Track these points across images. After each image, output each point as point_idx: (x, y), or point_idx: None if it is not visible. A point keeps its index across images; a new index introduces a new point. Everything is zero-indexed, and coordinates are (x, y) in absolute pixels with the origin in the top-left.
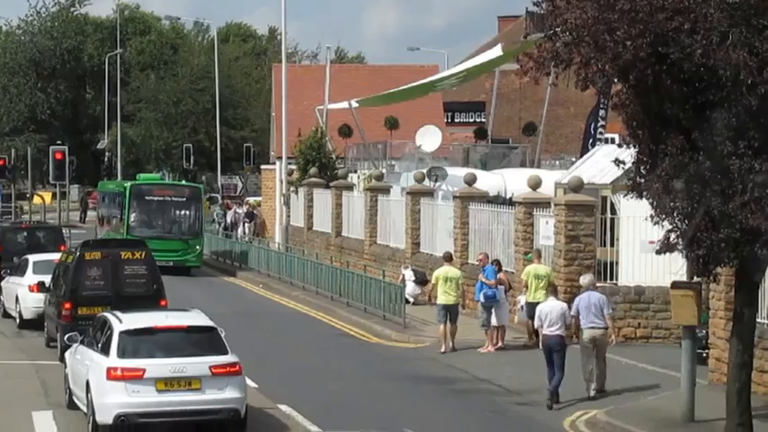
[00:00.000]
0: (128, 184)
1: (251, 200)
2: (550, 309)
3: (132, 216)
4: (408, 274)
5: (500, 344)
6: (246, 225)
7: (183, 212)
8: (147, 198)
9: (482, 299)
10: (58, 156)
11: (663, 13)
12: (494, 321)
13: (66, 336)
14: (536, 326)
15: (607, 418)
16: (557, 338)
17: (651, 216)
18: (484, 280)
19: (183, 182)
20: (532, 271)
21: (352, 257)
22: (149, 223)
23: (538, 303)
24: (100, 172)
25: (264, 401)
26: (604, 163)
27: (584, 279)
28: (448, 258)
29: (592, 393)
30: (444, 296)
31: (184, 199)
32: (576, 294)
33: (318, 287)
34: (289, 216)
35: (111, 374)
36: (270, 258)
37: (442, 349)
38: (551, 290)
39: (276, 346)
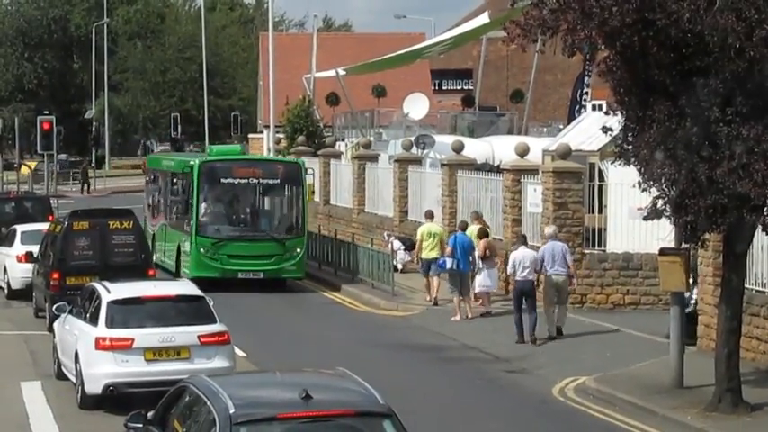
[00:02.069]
0: (196, 161)
1: None
2: (523, 256)
3: (203, 207)
4: (397, 245)
5: (475, 310)
6: None
7: (277, 201)
8: (224, 181)
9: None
10: (46, 126)
11: None
12: (463, 289)
13: (55, 306)
14: (509, 272)
15: (596, 385)
16: (529, 283)
17: (639, 183)
18: (446, 248)
19: (278, 156)
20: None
21: (341, 225)
22: (229, 218)
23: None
24: (87, 142)
25: (253, 370)
26: (592, 130)
27: (549, 230)
28: (430, 216)
29: (554, 333)
30: (425, 251)
31: (278, 181)
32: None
33: (307, 256)
34: None
35: (100, 344)
36: None
37: (427, 298)
38: (521, 239)
39: (264, 314)
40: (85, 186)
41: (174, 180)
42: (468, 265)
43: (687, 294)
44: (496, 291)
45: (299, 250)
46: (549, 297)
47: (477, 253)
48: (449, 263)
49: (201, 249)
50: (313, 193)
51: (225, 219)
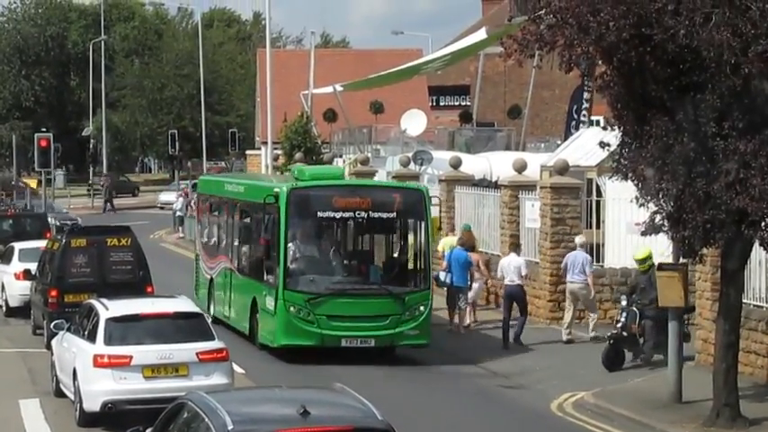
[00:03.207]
0: (283, 187)
1: None
2: (509, 263)
3: (293, 250)
4: None
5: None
6: None
7: (393, 240)
8: (322, 215)
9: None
10: (43, 143)
11: None
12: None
13: (53, 323)
14: (498, 277)
15: (594, 400)
16: (516, 288)
17: (636, 198)
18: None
19: (390, 182)
20: (448, 242)
21: None
22: (328, 264)
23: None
24: (85, 159)
25: (251, 386)
26: (589, 145)
27: (579, 239)
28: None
29: (567, 337)
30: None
31: (394, 214)
32: (558, 277)
33: None
34: None
35: (98, 362)
36: None
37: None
38: (513, 246)
39: None
40: (108, 205)
41: (247, 211)
42: (464, 280)
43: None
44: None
45: (422, 308)
46: (568, 302)
47: (475, 267)
48: (442, 276)
49: (292, 308)
50: (440, 229)
51: (323, 265)
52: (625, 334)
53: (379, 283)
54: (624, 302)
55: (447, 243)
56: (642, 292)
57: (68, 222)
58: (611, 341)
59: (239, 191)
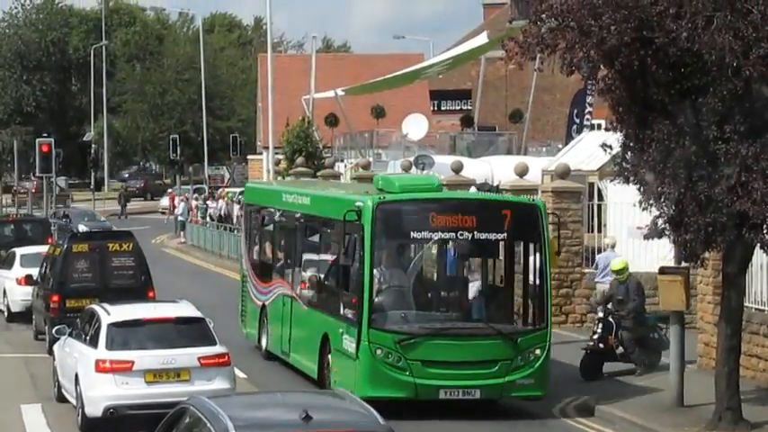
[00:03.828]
0: (367, 201)
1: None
2: None
3: (379, 278)
4: None
5: None
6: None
7: (501, 268)
8: (416, 235)
9: None
10: (45, 148)
11: None
12: None
13: (55, 328)
14: None
15: (597, 404)
16: None
17: (638, 202)
18: None
19: (500, 195)
20: None
21: None
22: (423, 297)
23: None
24: (86, 164)
25: (253, 391)
26: (591, 149)
27: (609, 240)
28: None
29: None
30: None
31: (504, 235)
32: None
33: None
34: None
35: (100, 367)
36: None
37: None
38: None
39: None
40: (123, 210)
41: (316, 228)
42: None
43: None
44: None
45: (538, 352)
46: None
47: None
48: None
49: (378, 351)
50: (558, 253)
51: (417, 299)
52: (602, 346)
53: (486, 320)
54: (600, 314)
55: None
56: (619, 303)
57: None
58: (588, 351)
59: (304, 203)
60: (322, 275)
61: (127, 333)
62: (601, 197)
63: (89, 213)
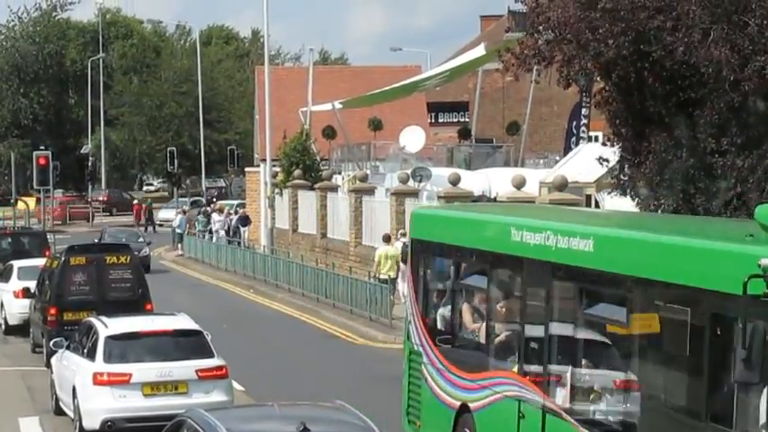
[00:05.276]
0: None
1: (222, 203)
2: None
3: None
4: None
5: None
6: (242, 230)
7: None
8: None
9: None
10: (42, 161)
11: (644, 11)
12: None
13: (52, 341)
14: None
15: None
16: None
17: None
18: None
19: None
20: (383, 253)
21: (338, 259)
22: None
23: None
24: (84, 177)
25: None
26: (588, 161)
27: None
28: (386, 239)
29: None
30: (383, 271)
31: None
32: None
33: (304, 289)
34: (274, 218)
35: (98, 379)
36: (255, 261)
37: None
38: None
39: (262, 348)
40: (150, 225)
41: (611, 296)
42: None
43: None
44: None
45: None
46: None
47: None
48: None
49: None
50: None
51: None
52: None
53: None
54: None
55: (381, 254)
56: None
57: (136, 252)
58: None
59: (576, 248)
60: (646, 386)
61: (124, 346)
62: (598, 209)
63: (129, 232)
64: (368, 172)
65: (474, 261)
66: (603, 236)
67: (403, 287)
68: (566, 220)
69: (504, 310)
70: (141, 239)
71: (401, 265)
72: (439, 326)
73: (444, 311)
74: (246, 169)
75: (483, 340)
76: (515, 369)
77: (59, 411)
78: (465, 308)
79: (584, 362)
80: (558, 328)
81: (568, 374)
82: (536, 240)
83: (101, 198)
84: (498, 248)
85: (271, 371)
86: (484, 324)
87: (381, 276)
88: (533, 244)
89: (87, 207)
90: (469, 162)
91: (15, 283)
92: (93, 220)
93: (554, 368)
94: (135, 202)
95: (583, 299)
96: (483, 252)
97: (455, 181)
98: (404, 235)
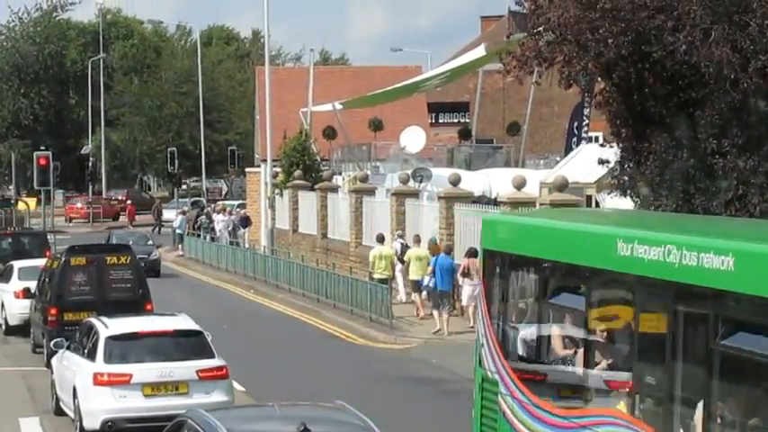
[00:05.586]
0: None
1: (224, 203)
2: None
3: None
4: (398, 246)
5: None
6: (243, 230)
7: None
8: None
9: None
10: (42, 161)
11: (645, 11)
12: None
13: (53, 341)
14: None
15: None
16: None
17: None
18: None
19: None
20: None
21: (338, 259)
22: None
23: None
24: (84, 177)
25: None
26: (589, 162)
27: None
28: (380, 239)
29: None
30: (378, 272)
31: None
32: None
33: (304, 289)
34: (274, 219)
35: (98, 380)
36: (255, 261)
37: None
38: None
39: (263, 348)
40: (157, 227)
41: (733, 323)
42: (447, 284)
43: None
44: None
45: None
46: None
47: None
48: (426, 280)
49: None
50: None
51: None
52: None
53: None
54: None
55: (413, 255)
56: None
57: (146, 256)
58: None
59: (711, 271)
60: None
61: (125, 346)
62: None
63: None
64: (368, 172)
65: (567, 277)
66: (748, 252)
67: (403, 287)
68: (690, 232)
69: (607, 335)
70: (150, 242)
71: (398, 264)
72: (520, 351)
73: (527, 334)
74: (247, 170)
75: (580, 370)
76: (622, 406)
77: (60, 412)
78: (555, 331)
79: (718, 404)
80: (680, 360)
81: (698, 417)
82: (652, 255)
83: (120, 197)
84: (600, 264)
85: (271, 371)
86: (582, 351)
87: (376, 276)
88: (648, 259)
89: (115, 205)
90: (470, 162)
91: (16, 284)
92: (118, 218)
93: (677, 409)
94: (150, 200)
95: (719, 327)
96: (579, 267)
97: (455, 181)
98: (401, 236)
